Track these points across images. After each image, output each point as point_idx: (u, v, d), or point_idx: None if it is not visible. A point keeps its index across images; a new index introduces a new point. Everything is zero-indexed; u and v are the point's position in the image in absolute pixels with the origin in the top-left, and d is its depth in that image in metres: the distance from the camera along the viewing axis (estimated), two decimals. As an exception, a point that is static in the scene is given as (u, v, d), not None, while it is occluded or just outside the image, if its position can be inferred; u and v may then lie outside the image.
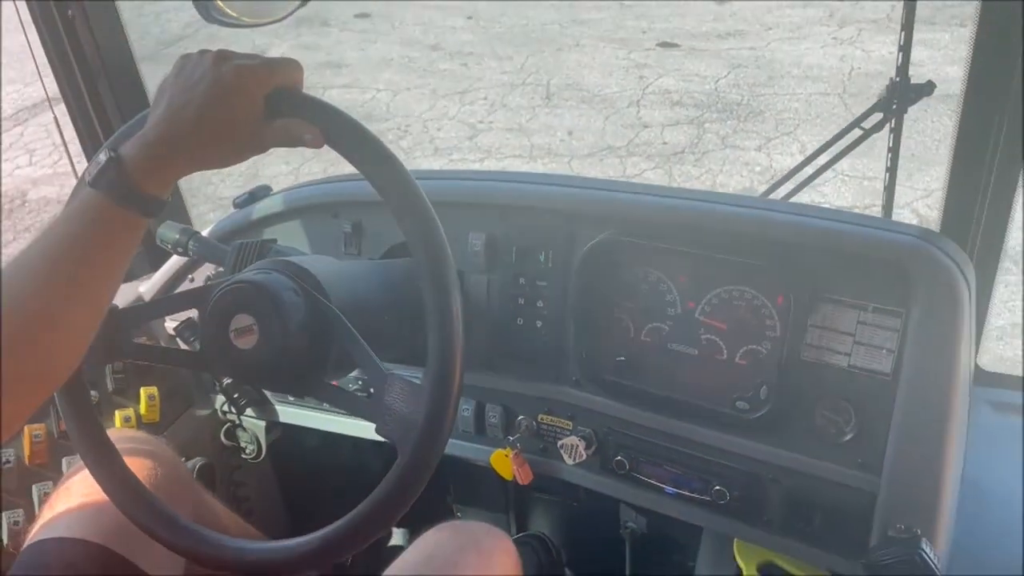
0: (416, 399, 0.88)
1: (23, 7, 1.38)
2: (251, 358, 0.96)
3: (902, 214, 4.01)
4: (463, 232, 1.29)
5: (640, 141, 5.27)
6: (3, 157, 5.62)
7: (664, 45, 6.73)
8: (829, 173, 4.46)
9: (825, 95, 5.56)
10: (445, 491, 1.78)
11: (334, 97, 6.20)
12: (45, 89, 1.43)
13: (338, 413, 1.48)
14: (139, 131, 0.88)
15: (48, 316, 0.81)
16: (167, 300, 1.09)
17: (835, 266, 1.08)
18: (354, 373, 1.21)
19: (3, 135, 5.93)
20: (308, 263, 1.04)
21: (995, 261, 1.31)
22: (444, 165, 5.17)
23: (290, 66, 0.91)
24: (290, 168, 5.00)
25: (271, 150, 0.93)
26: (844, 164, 4.36)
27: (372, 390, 0.92)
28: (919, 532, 1.01)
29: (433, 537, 1.14)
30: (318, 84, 6.51)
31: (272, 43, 7.04)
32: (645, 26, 7.17)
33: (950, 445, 1.02)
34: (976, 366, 1.41)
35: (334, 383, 1.28)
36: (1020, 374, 1.41)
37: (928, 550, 1.00)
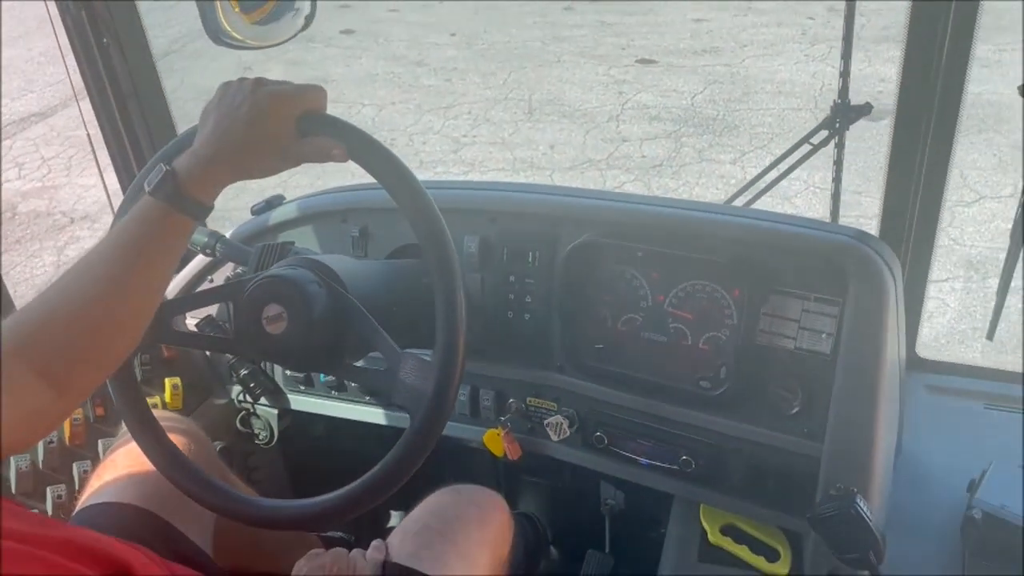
0: (426, 373, 1.03)
1: (62, 36, 1.52)
2: (281, 342, 1.11)
3: (871, 225, 4.20)
4: (459, 235, 1.44)
5: (619, 155, 5.45)
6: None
7: (642, 61, 6.94)
8: (801, 185, 4.68)
9: (797, 110, 5.77)
10: (441, 475, 1.93)
11: (321, 111, 6.32)
12: (73, 87, 1.57)
13: (345, 400, 1.63)
14: (187, 147, 1.03)
15: (112, 306, 0.95)
16: (206, 293, 1.23)
17: (783, 262, 1.25)
18: (360, 363, 1.36)
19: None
20: (328, 260, 1.20)
21: (927, 261, 1.49)
22: (429, 178, 5.29)
23: (317, 92, 1.06)
24: (279, 180, 5.13)
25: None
26: (816, 177, 4.60)
27: (387, 367, 1.07)
28: (855, 490, 1.17)
29: (437, 498, 1.30)
30: (305, 99, 6.63)
31: (259, 59, 7.17)
32: (624, 43, 7.38)
33: (880, 415, 1.19)
34: (915, 354, 1.59)
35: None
36: (953, 361, 1.59)
37: (862, 505, 1.16)
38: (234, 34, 1.44)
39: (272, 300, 1.11)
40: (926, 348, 1.65)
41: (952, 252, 4.06)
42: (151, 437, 1.17)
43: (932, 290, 3.79)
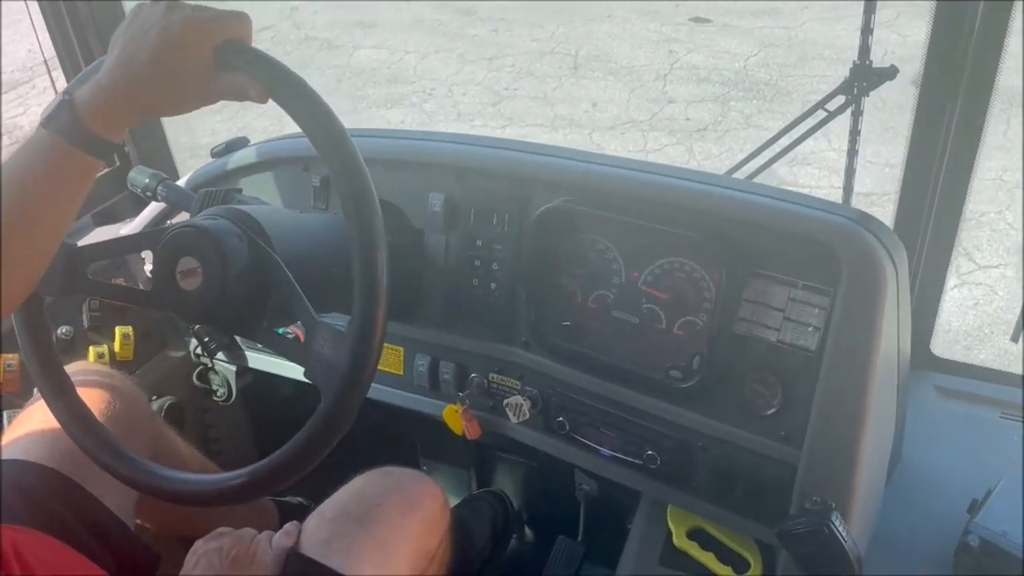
0: (341, 346, 0.92)
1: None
2: (194, 299, 1.01)
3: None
4: (423, 192, 1.32)
5: (664, 116, 5.24)
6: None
7: (696, 20, 6.65)
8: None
9: (855, 79, 5.47)
10: (413, 446, 1.83)
11: (362, 57, 6.22)
12: (43, 52, 1.48)
13: None
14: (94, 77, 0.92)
15: None
16: (121, 240, 1.14)
17: (770, 243, 1.09)
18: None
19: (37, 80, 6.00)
20: (257, 212, 1.08)
21: (947, 251, 1.32)
22: (465, 130, 5.18)
23: (239, 19, 0.93)
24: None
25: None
26: (867, 150, 4.32)
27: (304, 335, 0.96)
28: (833, 505, 1.04)
29: (362, 480, 1.19)
30: (348, 43, 6.53)
31: (305, -4, 7.07)
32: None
33: (866, 424, 1.04)
34: (929, 351, 1.43)
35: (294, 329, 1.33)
36: (969, 361, 1.42)
37: (838, 523, 1.02)
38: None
39: (186, 253, 1.01)
40: (945, 344, 1.48)
41: (1007, 237, 3.82)
42: (56, 392, 1.08)
43: (980, 276, 3.58)
